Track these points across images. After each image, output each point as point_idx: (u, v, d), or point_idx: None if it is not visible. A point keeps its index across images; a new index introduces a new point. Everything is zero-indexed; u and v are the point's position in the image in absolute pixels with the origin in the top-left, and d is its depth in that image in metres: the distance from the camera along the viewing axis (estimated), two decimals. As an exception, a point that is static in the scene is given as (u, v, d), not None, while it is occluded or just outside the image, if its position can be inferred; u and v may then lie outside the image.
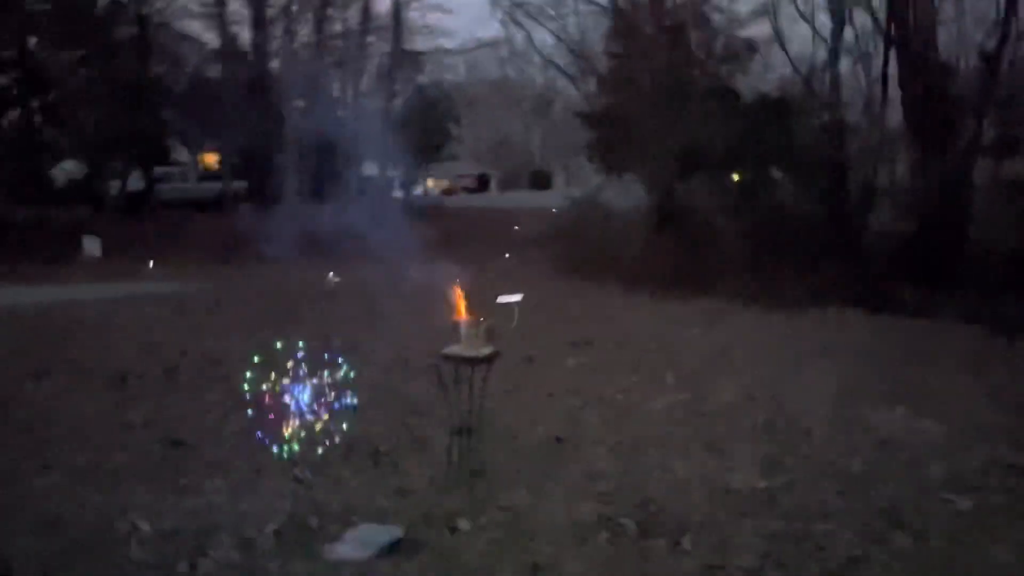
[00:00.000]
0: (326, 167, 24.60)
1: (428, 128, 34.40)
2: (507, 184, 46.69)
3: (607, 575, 3.81)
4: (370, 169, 31.23)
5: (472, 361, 4.55)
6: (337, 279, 13.90)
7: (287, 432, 4.59)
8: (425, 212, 27.02)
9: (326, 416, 4.82)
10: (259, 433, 4.61)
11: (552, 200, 28.81)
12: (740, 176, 19.58)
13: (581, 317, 11.58)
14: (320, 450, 5.02)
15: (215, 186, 29.85)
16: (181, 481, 4.86)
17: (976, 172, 15.33)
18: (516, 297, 4.95)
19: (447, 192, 41.77)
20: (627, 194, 21.82)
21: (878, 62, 19.32)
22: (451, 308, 4.60)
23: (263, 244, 20.24)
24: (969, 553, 4.16)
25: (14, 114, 23.82)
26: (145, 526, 4.16)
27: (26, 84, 22.56)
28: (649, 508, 4.50)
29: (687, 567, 3.86)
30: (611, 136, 24.32)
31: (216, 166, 31.33)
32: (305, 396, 4.60)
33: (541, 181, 40.97)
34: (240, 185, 28.32)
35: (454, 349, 4.59)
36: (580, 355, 8.91)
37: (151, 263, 16.96)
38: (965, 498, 4.85)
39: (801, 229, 16.14)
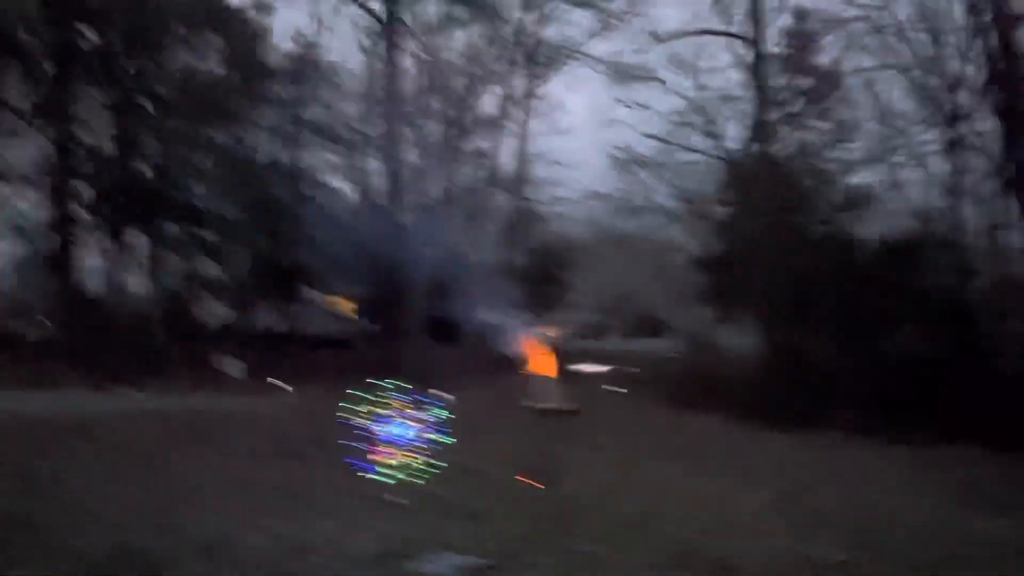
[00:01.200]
0: (449, 311, 25.82)
1: (547, 278, 35.71)
2: (626, 332, 47.12)
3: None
4: (490, 315, 32.48)
5: (553, 413, 5.01)
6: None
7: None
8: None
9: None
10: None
11: (669, 346, 29.01)
12: (856, 319, 19.37)
13: (681, 440, 11.76)
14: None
15: (347, 326, 31.85)
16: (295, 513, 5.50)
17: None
18: (601, 368, 5.43)
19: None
20: (740, 335, 21.83)
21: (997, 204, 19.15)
22: (539, 363, 5.11)
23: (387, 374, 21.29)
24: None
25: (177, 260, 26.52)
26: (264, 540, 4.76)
27: (190, 228, 25.21)
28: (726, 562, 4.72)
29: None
30: (725, 281, 24.65)
31: (349, 307, 33.50)
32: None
33: (659, 329, 41.27)
34: (370, 326, 30.07)
35: (538, 402, 5.07)
36: (672, 464, 9.05)
37: (286, 386, 18.19)
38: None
39: (924, 371, 15.72)
